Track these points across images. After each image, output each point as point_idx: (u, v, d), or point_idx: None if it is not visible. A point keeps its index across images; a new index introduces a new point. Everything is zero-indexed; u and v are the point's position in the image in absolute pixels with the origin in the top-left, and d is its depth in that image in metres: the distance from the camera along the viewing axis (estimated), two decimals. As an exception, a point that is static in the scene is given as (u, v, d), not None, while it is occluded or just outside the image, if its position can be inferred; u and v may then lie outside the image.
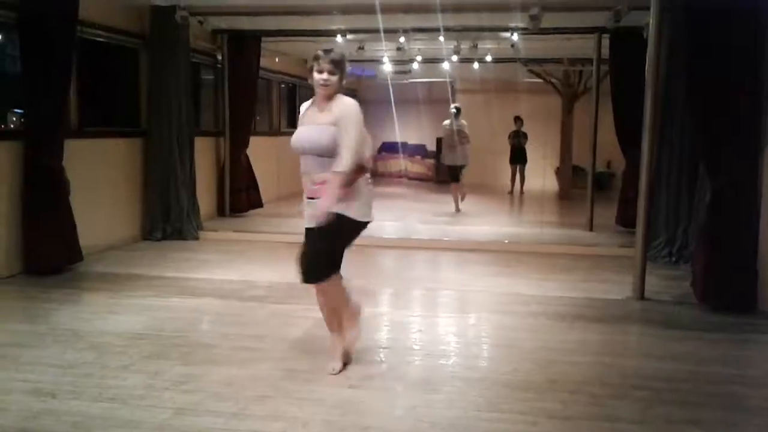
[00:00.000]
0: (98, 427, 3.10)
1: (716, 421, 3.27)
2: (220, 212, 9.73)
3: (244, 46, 9.64)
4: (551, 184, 13.62)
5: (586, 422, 3.22)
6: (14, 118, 6.66)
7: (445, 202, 11.33)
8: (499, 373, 3.85)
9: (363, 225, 3.66)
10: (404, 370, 3.89)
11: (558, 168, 13.46)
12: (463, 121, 11.06)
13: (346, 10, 7.93)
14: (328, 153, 3.49)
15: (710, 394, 3.60)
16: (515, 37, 9.08)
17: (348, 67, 3.65)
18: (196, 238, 8.10)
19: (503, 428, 3.14)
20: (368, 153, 3.68)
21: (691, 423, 3.22)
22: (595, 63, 9.14)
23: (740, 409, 3.47)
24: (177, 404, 3.34)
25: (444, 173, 12.10)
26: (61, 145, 6.09)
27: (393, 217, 9.82)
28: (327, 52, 3.58)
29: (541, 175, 13.31)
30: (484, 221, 10.12)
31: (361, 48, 10.28)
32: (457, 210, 10.94)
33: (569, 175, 12.88)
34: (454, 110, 10.81)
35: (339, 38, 9.25)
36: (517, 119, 13.59)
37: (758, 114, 5.06)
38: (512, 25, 8.58)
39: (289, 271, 3.42)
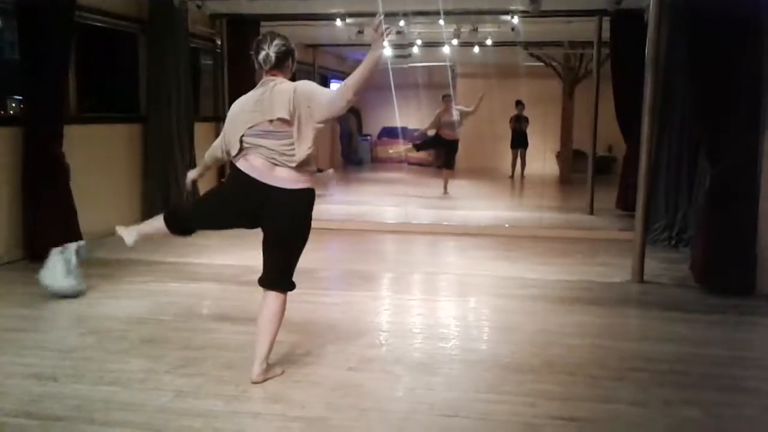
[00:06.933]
0: (99, 410, 3.12)
1: (714, 402, 3.28)
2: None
3: (243, 30, 9.56)
4: (552, 168, 13.59)
5: (584, 404, 3.23)
6: (14, 105, 6.66)
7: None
8: (498, 356, 3.86)
9: None
10: (403, 353, 3.91)
11: (559, 152, 13.44)
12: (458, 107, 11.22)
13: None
14: None
15: (709, 375, 3.62)
16: (516, 20, 9.03)
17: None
18: (196, 224, 8.08)
19: (502, 410, 3.15)
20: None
21: (689, 404, 3.24)
22: (595, 46, 9.10)
23: (738, 390, 3.47)
24: (178, 387, 3.36)
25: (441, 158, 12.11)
26: (60, 130, 6.07)
27: (393, 202, 9.82)
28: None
29: (541, 159, 13.28)
30: (485, 206, 10.11)
31: (360, 32, 10.21)
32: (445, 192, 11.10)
33: (570, 159, 12.85)
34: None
35: (338, 22, 9.20)
36: (518, 103, 13.53)
37: (759, 97, 5.02)
38: (512, 8, 8.54)
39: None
